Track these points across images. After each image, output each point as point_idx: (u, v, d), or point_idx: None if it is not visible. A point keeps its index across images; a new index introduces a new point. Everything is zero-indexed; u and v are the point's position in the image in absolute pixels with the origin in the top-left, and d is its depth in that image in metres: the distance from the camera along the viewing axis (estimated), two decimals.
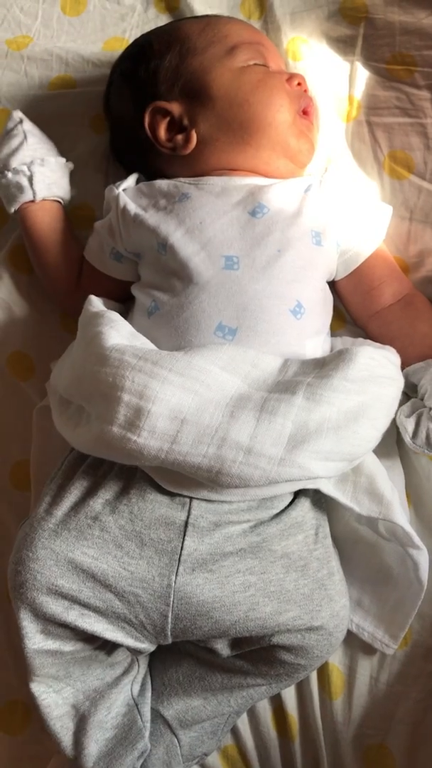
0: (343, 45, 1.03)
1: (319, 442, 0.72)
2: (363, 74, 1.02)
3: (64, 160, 0.99)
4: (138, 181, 0.96)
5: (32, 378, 0.99)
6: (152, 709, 0.85)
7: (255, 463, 0.71)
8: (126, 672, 0.85)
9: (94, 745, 0.79)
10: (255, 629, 0.77)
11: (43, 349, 0.99)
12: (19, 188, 0.96)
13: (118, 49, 1.04)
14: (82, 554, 0.76)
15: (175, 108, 0.91)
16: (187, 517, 0.77)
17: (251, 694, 0.85)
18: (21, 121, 0.98)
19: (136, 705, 0.84)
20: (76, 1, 1.09)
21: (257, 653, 0.81)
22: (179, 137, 0.91)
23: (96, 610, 0.77)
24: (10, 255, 1.02)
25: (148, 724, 0.83)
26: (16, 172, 0.95)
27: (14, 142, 0.97)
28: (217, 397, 0.74)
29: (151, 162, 0.95)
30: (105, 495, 0.79)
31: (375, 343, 0.85)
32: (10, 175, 0.96)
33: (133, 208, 0.90)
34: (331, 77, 1.02)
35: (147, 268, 0.90)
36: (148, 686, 0.87)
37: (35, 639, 0.78)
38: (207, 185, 0.89)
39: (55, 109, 1.06)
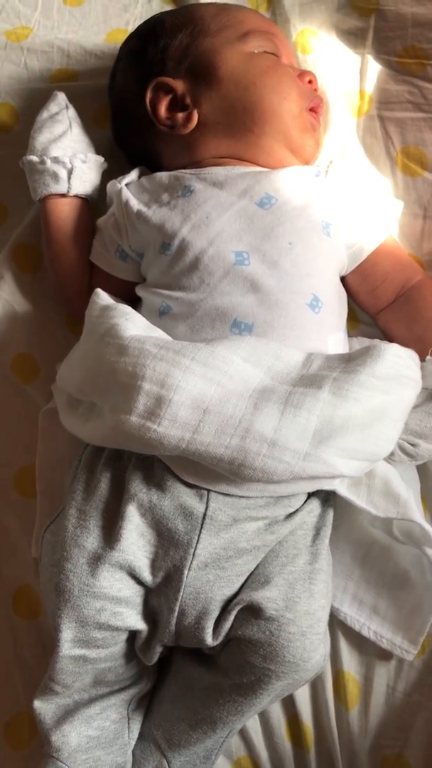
0: (354, 38, 1.00)
1: (345, 438, 0.71)
2: (374, 68, 0.99)
3: (102, 159, 0.96)
4: (141, 175, 0.93)
5: (37, 381, 0.96)
6: (146, 727, 0.84)
7: (279, 456, 0.70)
8: (134, 683, 0.84)
9: (75, 736, 0.78)
10: (234, 607, 0.75)
11: (48, 350, 0.96)
12: (55, 178, 0.92)
13: (122, 41, 1.00)
14: (110, 549, 0.75)
15: (179, 86, 0.89)
16: (206, 510, 0.75)
17: (228, 710, 0.78)
18: (67, 107, 0.95)
19: (128, 719, 0.82)
20: None
21: (228, 657, 0.78)
22: (180, 115, 0.89)
23: (126, 602, 0.76)
24: (12, 253, 0.98)
25: (133, 743, 0.82)
26: (56, 161, 0.91)
27: (58, 129, 0.93)
28: (240, 388, 0.72)
29: (150, 144, 0.93)
30: (128, 487, 0.77)
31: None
32: (48, 163, 0.91)
33: (135, 204, 0.88)
34: (341, 71, 1.00)
35: (152, 268, 0.87)
36: (144, 705, 0.85)
37: (65, 646, 0.76)
38: (209, 175, 0.87)
39: None
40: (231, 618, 0.76)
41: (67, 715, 0.79)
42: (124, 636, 0.80)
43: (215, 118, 0.88)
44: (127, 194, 0.89)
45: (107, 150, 1.01)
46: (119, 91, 0.96)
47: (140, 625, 0.78)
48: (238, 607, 0.75)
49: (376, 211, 0.90)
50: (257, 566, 0.78)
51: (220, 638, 0.77)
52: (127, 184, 0.91)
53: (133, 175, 0.92)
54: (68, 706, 0.80)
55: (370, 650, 0.87)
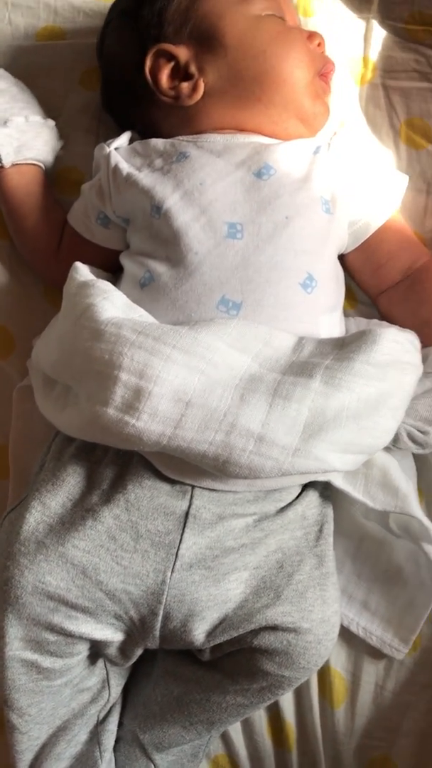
0: (358, 1, 0.95)
1: (337, 431, 0.66)
2: (379, 34, 0.95)
3: (39, 118, 0.90)
4: (132, 140, 0.88)
5: (12, 355, 0.91)
6: (129, 731, 0.81)
7: (267, 452, 0.65)
8: (94, 700, 0.79)
9: None
10: (239, 623, 0.71)
11: (25, 323, 0.90)
12: None
13: None
14: (74, 547, 0.70)
15: (182, 53, 0.83)
16: (188, 508, 0.71)
17: (230, 713, 0.76)
18: None
19: (98, 734, 0.79)
20: None
21: (238, 663, 0.74)
22: (184, 85, 0.83)
23: (84, 611, 0.71)
24: None
25: (108, 754, 0.79)
26: None
27: None
28: (225, 377, 0.67)
29: (147, 114, 0.87)
30: (100, 483, 0.72)
31: (396, 326, 0.78)
32: None
33: (125, 167, 0.82)
34: (344, 36, 0.94)
35: (138, 235, 0.82)
36: (115, 712, 0.81)
37: (14, 645, 0.71)
38: (207, 143, 0.82)
39: (41, 62, 0.97)
40: (235, 633, 0.72)
41: (35, 761, 0.76)
42: (82, 648, 0.75)
43: (222, 88, 0.82)
44: (117, 158, 0.83)
45: (96, 114, 0.96)
46: (111, 57, 0.90)
47: (99, 634, 0.73)
48: (250, 627, 0.71)
49: (382, 185, 0.85)
50: (262, 578, 0.73)
51: (214, 643, 0.73)
52: (116, 149, 0.85)
53: (123, 138, 0.87)
54: (34, 750, 0.76)
55: (358, 647, 0.83)
